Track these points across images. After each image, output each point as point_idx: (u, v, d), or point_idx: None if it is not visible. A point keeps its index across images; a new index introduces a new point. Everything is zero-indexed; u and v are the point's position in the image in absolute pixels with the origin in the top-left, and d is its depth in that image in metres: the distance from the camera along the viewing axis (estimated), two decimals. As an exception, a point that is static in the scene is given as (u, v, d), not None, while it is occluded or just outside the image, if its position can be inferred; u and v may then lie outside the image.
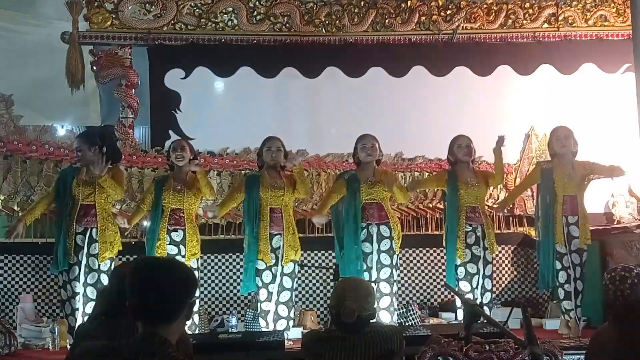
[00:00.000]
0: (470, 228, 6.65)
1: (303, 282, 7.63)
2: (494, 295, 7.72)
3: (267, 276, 6.42)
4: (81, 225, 6.25)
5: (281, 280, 6.42)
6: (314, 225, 7.90)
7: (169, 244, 6.40)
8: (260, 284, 6.42)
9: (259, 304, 6.48)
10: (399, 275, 7.05)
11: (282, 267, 6.42)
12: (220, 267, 7.55)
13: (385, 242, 6.50)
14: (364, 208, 6.54)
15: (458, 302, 6.76)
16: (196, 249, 6.48)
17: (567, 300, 6.46)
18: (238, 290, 7.35)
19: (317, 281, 7.64)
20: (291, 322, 6.48)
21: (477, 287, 6.58)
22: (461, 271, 6.63)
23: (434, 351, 3.37)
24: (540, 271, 6.66)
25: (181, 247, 6.42)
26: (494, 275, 7.80)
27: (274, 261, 6.41)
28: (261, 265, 6.42)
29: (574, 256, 6.48)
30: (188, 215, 6.49)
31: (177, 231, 6.44)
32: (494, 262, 7.80)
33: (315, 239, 7.88)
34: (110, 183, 6.26)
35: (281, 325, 6.37)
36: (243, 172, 8.04)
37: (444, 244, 6.84)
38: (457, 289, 6.39)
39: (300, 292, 7.61)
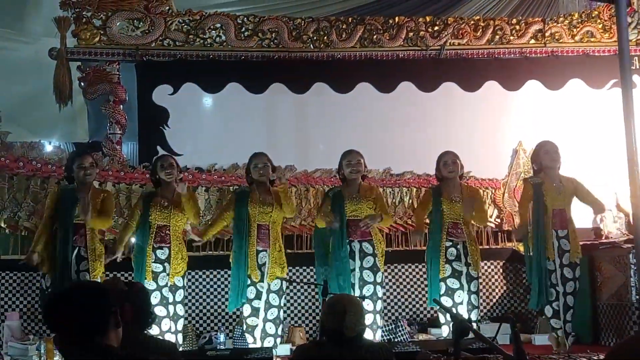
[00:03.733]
0: (451, 243, 6.63)
1: (292, 298, 7.60)
2: (483, 310, 7.73)
3: (251, 292, 6.38)
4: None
5: (268, 297, 6.38)
6: (302, 242, 7.90)
7: (154, 262, 6.34)
8: (244, 300, 6.39)
9: (244, 320, 6.44)
10: (387, 290, 7.04)
11: (269, 284, 6.38)
12: (208, 284, 7.52)
13: (368, 259, 6.48)
14: (348, 225, 6.52)
15: (442, 319, 6.73)
16: (181, 267, 6.41)
17: (554, 319, 6.45)
18: (226, 307, 7.33)
19: (306, 297, 7.61)
20: (279, 340, 6.43)
21: (462, 303, 6.54)
22: (441, 286, 6.62)
23: (422, 367, 3.35)
24: (533, 288, 6.63)
25: (166, 265, 6.35)
26: (483, 290, 7.81)
27: (259, 277, 6.38)
28: (247, 282, 6.39)
29: (567, 270, 6.47)
30: (174, 232, 6.43)
31: (162, 249, 6.38)
32: (483, 277, 7.81)
33: (303, 255, 7.87)
34: (108, 206, 6.33)
35: (269, 342, 6.32)
36: (231, 187, 8.02)
37: (425, 260, 6.82)
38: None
39: (288, 308, 7.57)
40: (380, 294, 6.52)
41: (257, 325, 6.36)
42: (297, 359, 3.76)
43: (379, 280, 6.50)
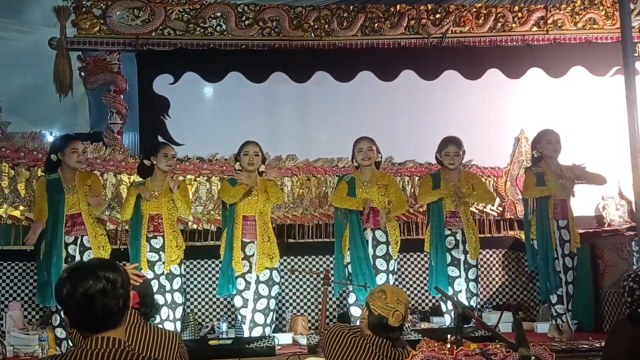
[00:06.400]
0: (450, 232, 6.62)
1: (294, 287, 7.60)
2: (484, 299, 7.73)
3: (240, 283, 6.36)
4: (71, 235, 6.19)
5: (257, 288, 6.34)
6: (304, 231, 7.89)
7: (149, 251, 6.32)
8: (235, 291, 6.38)
9: (237, 311, 6.44)
10: (395, 280, 7.01)
11: (257, 275, 6.35)
12: (210, 273, 7.50)
13: (381, 247, 6.45)
14: (360, 212, 6.48)
15: (444, 307, 6.71)
16: (176, 255, 6.36)
17: (559, 305, 6.44)
18: (229, 296, 7.34)
19: (308, 286, 7.59)
20: (268, 329, 6.37)
21: (461, 291, 6.53)
22: None
23: (424, 355, 3.34)
24: (541, 278, 6.60)
25: (161, 253, 6.33)
26: (485, 279, 7.81)
27: (246, 269, 6.35)
28: (235, 272, 6.37)
29: (567, 260, 6.48)
30: (167, 220, 6.37)
31: (156, 238, 6.34)
32: (485, 265, 7.82)
33: (305, 244, 7.88)
34: (97, 190, 6.30)
35: (257, 332, 6.29)
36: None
37: (426, 248, 6.78)
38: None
39: (291, 297, 7.57)
40: (392, 282, 6.49)
41: (249, 299, 6.33)
42: (329, 340, 3.73)
43: (391, 268, 6.48)
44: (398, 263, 7.78)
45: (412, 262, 7.85)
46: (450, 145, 6.70)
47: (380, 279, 6.38)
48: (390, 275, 6.47)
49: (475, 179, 6.91)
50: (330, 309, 7.40)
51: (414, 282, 7.83)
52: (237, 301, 6.40)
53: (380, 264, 6.45)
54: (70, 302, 2.34)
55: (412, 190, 8.44)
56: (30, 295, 7.21)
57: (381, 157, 6.79)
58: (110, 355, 2.31)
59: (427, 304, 7.77)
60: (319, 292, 7.46)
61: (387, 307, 3.61)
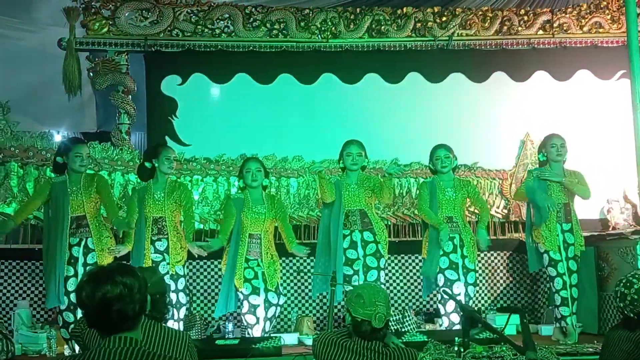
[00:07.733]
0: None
1: (299, 288, 7.64)
2: (489, 301, 7.77)
3: (249, 273, 6.32)
4: (75, 237, 6.17)
5: (266, 296, 6.33)
6: (309, 232, 7.92)
7: (154, 253, 6.30)
8: (243, 279, 6.33)
9: (246, 299, 6.35)
10: (394, 281, 7.06)
11: (265, 284, 6.32)
12: (216, 273, 7.53)
13: (370, 246, 6.47)
14: (347, 215, 6.51)
15: (442, 310, 6.68)
16: (181, 256, 6.36)
17: (564, 307, 6.45)
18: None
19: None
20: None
21: (460, 294, 6.50)
22: (440, 278, 6.59)
23: (431, 357, 3.38)
24: (529, 252, 6.70)
25: (165, 255, 6.31)
26: (489, 281, 7.84)
27: (251, 276, 6.32)
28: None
29: (572, 263, 6.49)
30: (171, 223, 6.36)
31: (160, 240, 6.32)
32: (489, 267, 7.85)
33: (311, 245, 7.89)
34: (107, 191, 6.36)
35: None
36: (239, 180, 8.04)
37: (423, 253, 6.74)
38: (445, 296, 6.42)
39: (297, 297, 7.62)
40: (383, 280, 6.52)
41: (259, 305, 6.29)
42: (320, 350, 3.73)
43: (382, 265, 6.49)
44: (404, 264, 7.85)
45: (416, 264, 7.86)
46: (440, 149, 6.72)
47: (372, 276, 6.38)
48: (382, 272, 6.49)
49: (468, 187, 6.86)
50: (336, 310, 7.42)
51: (419, 284, 7.84)
52: (246, 289, 6.33)
53: (371, 261, 6.45)
54: (88, 306, 2.42)
55: (418, 192, 8.46)
56: (37, 293, 7.27)
57: (367, 162, 6.82)
58: (127, 353, 2.37)
59: (432, 306, 7.79)
60: (325, 293, 7.48)
61: (368, 311, 3.59)
